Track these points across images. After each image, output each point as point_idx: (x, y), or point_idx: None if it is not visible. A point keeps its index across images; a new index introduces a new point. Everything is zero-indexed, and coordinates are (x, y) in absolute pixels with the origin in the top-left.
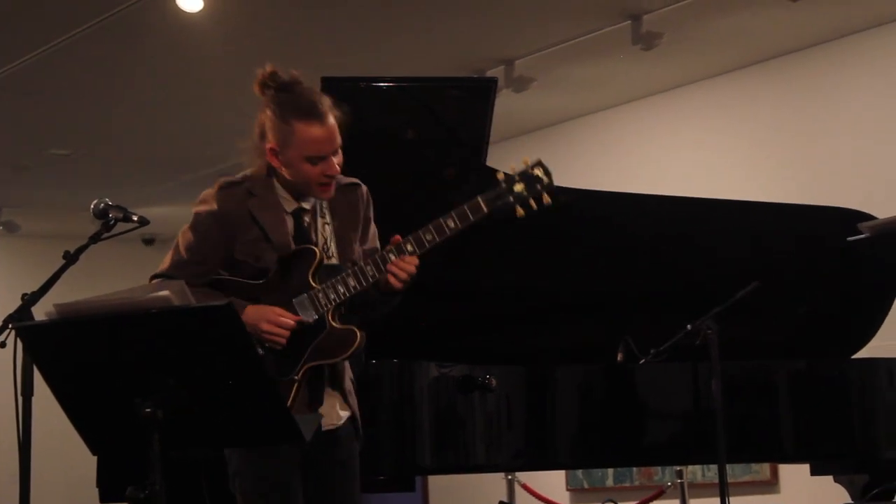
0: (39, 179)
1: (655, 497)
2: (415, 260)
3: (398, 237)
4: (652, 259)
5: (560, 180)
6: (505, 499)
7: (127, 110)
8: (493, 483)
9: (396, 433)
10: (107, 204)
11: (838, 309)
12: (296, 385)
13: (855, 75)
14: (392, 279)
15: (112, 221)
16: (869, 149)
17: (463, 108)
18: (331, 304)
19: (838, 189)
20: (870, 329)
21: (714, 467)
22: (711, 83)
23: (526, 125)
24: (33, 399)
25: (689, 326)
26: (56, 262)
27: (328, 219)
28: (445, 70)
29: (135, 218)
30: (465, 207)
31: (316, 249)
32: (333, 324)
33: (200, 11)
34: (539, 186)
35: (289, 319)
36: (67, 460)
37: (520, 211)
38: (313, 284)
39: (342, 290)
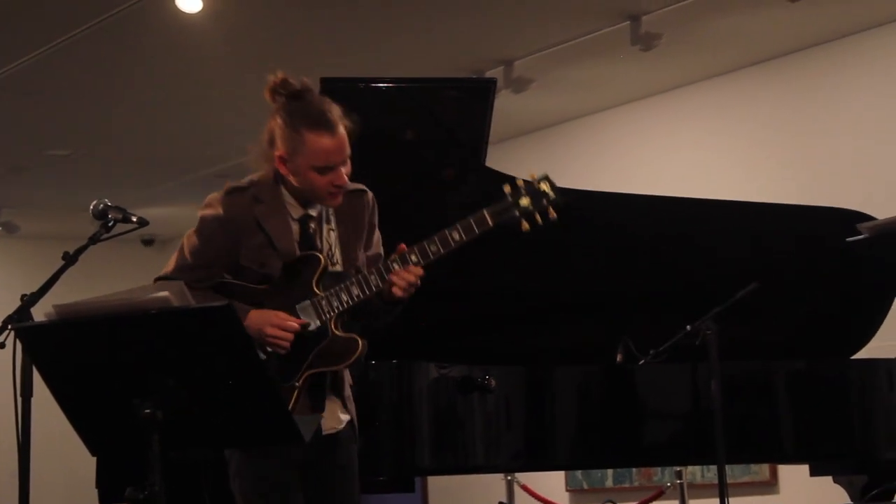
0: (39, 180)
1: (655, 498)
2: (418, 270)
3: (403, 246)
4: (651, 259)
5: (559, 181)
6: (504, 499)
7: (126, 111)
8: (493, 484)
9: (396, 434)
10: (106, 205)
11: (838, 309)
12: (296, 391)
13: (854, 76)
14: (394, 289)
15: (111, 222)
16: (869, 149)
17: (462, 108)
18: (334, 311)
19: (838, 190)
20: (869, 329)
21: (713, 468)
22: (710, 84)
23: (525, 126)
24: (32, 400)
25: (688, 327)
26: (55, 263)
27: (333, 225)
28: (444, 70)
29: (134, 219)
30: (471, 220)
31: (321, 256)
32: (336, 331)
33: (200, 12)
34: (545, 201)
35: (293, 323)
36: (67, 461)
37: (525, 225)
38: (317, 291)
39: (345, 299)
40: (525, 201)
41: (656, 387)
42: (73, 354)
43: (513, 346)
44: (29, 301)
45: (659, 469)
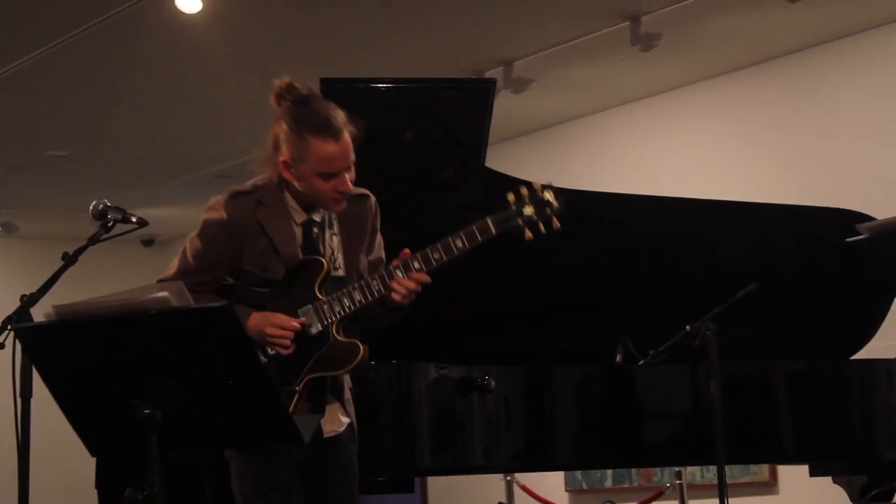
0: (38, 180)
1: (654, 498)
2: (423, 277)
3: (407, 251)
4: (651, 260)
5: (559, 181)
6: (504, 500)
7: (126, 111)
8: (492, 484)
9: (395, 434)
10: (105, 205)
11: (838, 310)
12: (296, 395)
13: (854, 76)
14: (395, 295)
15: (111, 223)
16: (868, 149)
17: (462, 109)
18: (336, 316)
19: (838, 190)
20: (869, 330)
21: (713, 468)
22: (710, 84)
23: (525, 126)
24: (32, 400)
25: (688, 327)
26: (55, 264)
27: (336, 230)
28: (444, 71)
29: (133, 219)
30: (474, 227)
31: (324, 261)
32: (337, 336)
33: (199, 12)
34: (549, 211)
35: (294, 323)
36: (66, 461)
37: (528, 234)
38: (319, 296)
39: (347, 304)
40: (529, 210)
41: (656, 387)
42: (72, 355)
43: (512, 347)
44: (28, 301)
45: (658, 469)
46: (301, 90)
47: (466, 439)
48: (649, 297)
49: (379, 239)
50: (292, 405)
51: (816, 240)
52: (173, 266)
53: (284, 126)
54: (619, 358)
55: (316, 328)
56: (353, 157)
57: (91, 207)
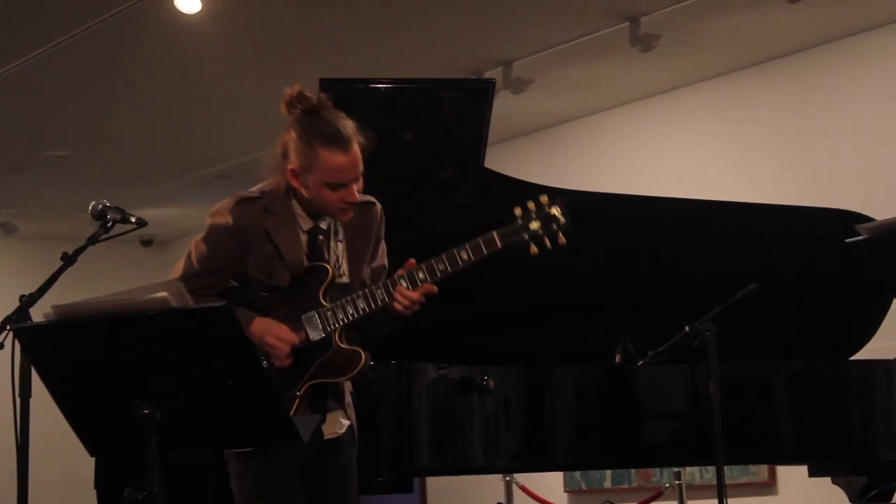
0: (37, 180)
1: (654, 498)
2: (430, 287)
3: (412, 261)
4: (651, 260)
5: (558, 181)
6: (503, 500)
7: (125, 111)
8: (492, 484)
9: (395, 434)
10: (105, 205)
11: (837, 310)
12: (297, 400)
13: (854, 77)
14: (398, 305)
15: (110, 223)
16: (868, 150)
17: (461, 109)
18: (339, 323)
19: (837, 190)
20: (868, 330)
21: (712, 469)
22: (710, 85)
23: (524, 127)
24: (31, 400)
25: (687, 328)
26: (54, 264)
27: (341, 237)
28: (443, 71)
29: (133, 219)
30: (480, 241)
31: (329, 267)
32: (340, 343)
33: (199, 13)
34: (555, 226)
35: (293, 336)
36: (65, 462)
37: (533, 249)
38: (323, 302)
39: (351, 312)
40: (535, 225)
41: (655, 387)
42: (71, 355)
43: (512, 347)
44: (27, 301)
45: (657, 470)
46: (311, 99)
47: (466, 440)
48: (649, 297)
49: (382, 246)
50: (293, 410)
51: (816, 240)
52: (178, 269)
53: (294, 134)
54: (618, 358)
55: (318, 335)
56: (361, 167)
57: (90, 207)
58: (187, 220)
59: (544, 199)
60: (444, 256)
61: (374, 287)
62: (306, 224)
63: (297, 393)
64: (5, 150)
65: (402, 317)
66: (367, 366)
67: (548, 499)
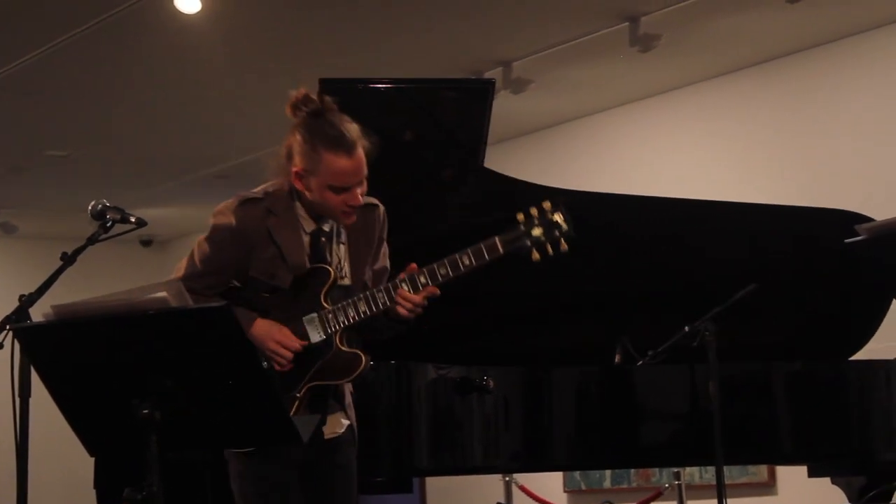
0: (37, 180)
1: (653, 499)
2: (433, 290)
3: (413, 266)
4: (651, 260)
5: (558, 182)
6: (502, 500)
7: (125, 111)
8: (491, 484)
9: (394, 434)
10: (104, 205)
11: (836, 311)
12: (296, 402)
13: (854, 77)
14: (400, 309)
15: (109, 223)
16: (868, 150)
17: (461, 109)
18: (340, 326)
19: (837, 191)
20: (868, 331)
21: (711, 469)
22: (709, 85)
23: (524, 127)
24: (31, 400)
25: (686, 328)
26: (53, 264)
27: (344, 238)
28: (443, 71)
29: (132, 219)
30: (482, 246)
31: (331, 269)
32: (341, 346)
33: (198, 13)
34: (557, 233)
35: (295, 343)
36: (65, 462)
37: (535, 255)
38: (325, 305)
39: (352, 314)
40: (537, 231)
41: (655, 387)
42: (71, 355)
43: (511, 347)
44: (27, 301)
45: (657, 470)
46: (317, 102)
47: (465, 440)
48: (648, 297)
49: (384, 248)
50: (292, 411)
51: (815, 241)
52: (181, 268)
53: (298, 137)
54: (617, 358)
55: (319, 337)
56: (365, 171)
57: (90, 207)
58: (187, 220)
59: (547, 205)
60: (445, 261)
61: (375, 290)
62: (309, 226)
63: (297, 394)
64: (5, 149)
65: (404, 320)
66: (368, 369)
67: (547, 499)
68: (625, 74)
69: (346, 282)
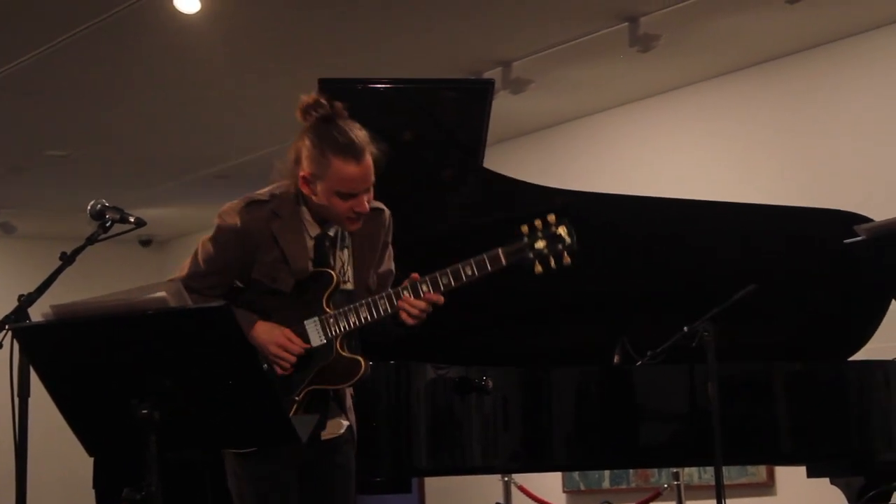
0: (36, 180)
1: (652, 499)
2: (434, 297)
3: (416, 275)
4: (650, 260)
5: (557, 182)
6: (501, 500)
7: (125, 111)
8: (490, 485)
9: (393, 434)
10: (103, 205)
11: (836, 311)
12: (295, 406)
13: (854, 77)
14: (404, 315)
15: (109, 223)
16: (868, 150)
17: (460, 109)
18: (340, 331)
19: (837, 191)
20: (867, 331)
21: (710, 469)
22: (709, 85)
23: (523, 127)
24: (30, 400)
25: (685, 328)
26: (53, 264)
27: (348, 242)
28: (443, 71)
29: (131, 219)
30: (485, 257)
31: (333, 274)
32: (341, 351)
33: (198, 13)
34: (560, 246)
35: (296, 346)
36: (64, 462)
37: (538, 268)
38: (326, 309)
39: (353, 320)
40: (541, 244)
41: (654, 388)
42: (70, 355)
43: (510, 347)
44: (26, 301)
45: (656, 470)
46: (327, 107)
47: (464, 440)
48: (648, 297)
49: (389, 251)
50: (290, 414)
51: (815, 241)
52: (184, 267)
53: (307, 142)
54: (616, 359)
55: (320, 341)
56: (373, 179)
57: (89, 207)
58: (186, 220)
59: (551, 217)
60: (448, 270)
61: (377, 297)
62: (314, 230)
63: (296, 398)
64: (5, 149)
65: (407, 326)
66: (367, 374)
67: (546, 499)
68: (624, 74)
69: (349, 286)
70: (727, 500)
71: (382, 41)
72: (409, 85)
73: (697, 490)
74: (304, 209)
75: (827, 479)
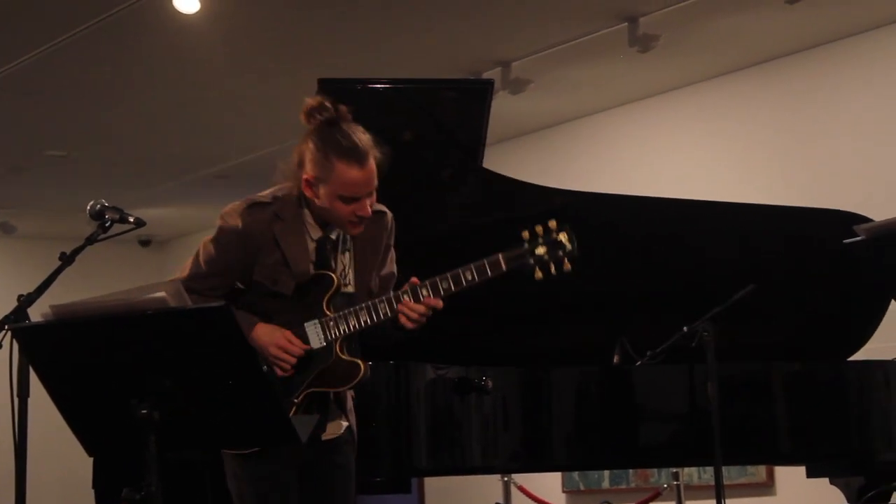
0: (36, 180)
1: (652, 499)
2: (433, 302)
3: (415, 280)
4: (650, 261)
5: (557, 182)
6: (501, 500)
7: (124, 111)
8: (490, 485)
9: (393, 435)
10: (103, 205)
11: (836, 311)
12: (294, 408)
13: (853, 77)
14: (404, 319)
15: (108, 223)
16: (868, 150)
17: (460, 109)
18: (340, 334)
19: (837, 191)
20: (867, 331)
21: (710, 469)
22: (708, 85)
23: (523, 127)
24: (29, 400)
25: (685, 329)
26: (52, 264)
27: (349, 245)
28: (442, 71)
29: (131, 219)
30: (485, 262)
31: (334, 276)
32: (341, 354)
33: (197, 13)
34: (561, 252)
35: (297, 348)
36: (64, 462)
37: (538, 274)
38: (327, 312)
39: (353, 324)
40: (541, 250)
41: (654, 388)
42: (69, 355)
43: (510, 347)
44: (25, 301)
45: (655, 470)
46: (332, 110)
47: (464, 440)
48: (647, 297)
49: (392, 253)
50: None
51: (814, 241)
52: (185, 268)
53: (311, 144)
54: (616, 359)
55: (319, 343)
56: (376, 183)
57: (88, 207)
58: (186, 220)
59: (553, 223)
60: (448, 275)
61: (377, 300)
62: (316, 233)
63: (295, 400)
64: (5, 149)
65: (407, 330)
66: (367, 377)
67: (546, 499)
68: (624, 75)
69: (350, 289)
70: (727, 500)
71: (382, 41)
72: (409, 85)
73: (697, 490)
74: (306, 212)
75: (826, 480)
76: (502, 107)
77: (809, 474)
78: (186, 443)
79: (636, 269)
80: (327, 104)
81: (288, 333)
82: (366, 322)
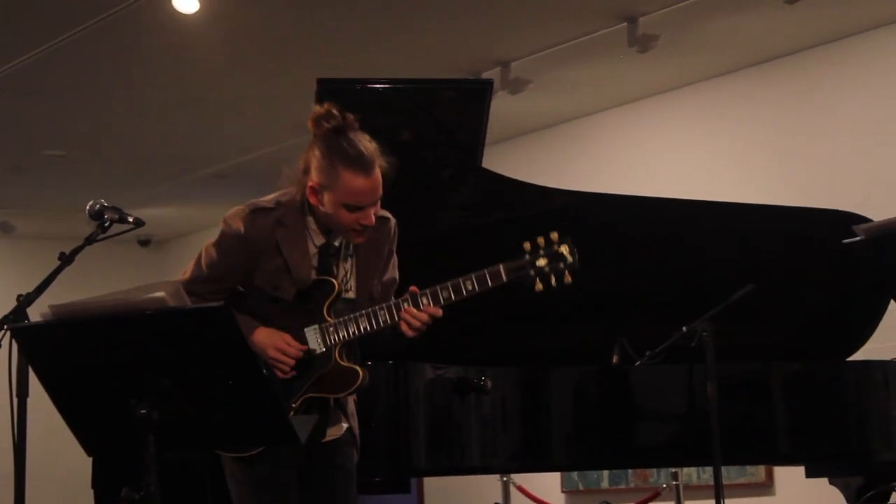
0: (35, 180)
1: (651, 499)
2: (433, 310)
3: (415, 288)
4: (649, 261)
5: (556, 182)
6: (500, 500)
7: (123, 111)
8: (489, 485)
9: (392, 435)
10: (102, 205)
11: (835, 311)
12: (291, 412)
13: (852, 77)
14: (404, 326)
15: (107, 223)
16: (867, 150)
17: (459, 109)
18: (340, 340)
19: (836, 191)
20: (866, 331)
21: (709, 469)
22: (708, 85)
23: (522, 127)
24: (28, 400)
25: (684, 328)
26: (51, 264)
27: (351, 251)
28: (441, 71)
29: (130, 219)
30: (486, 272)
31: (335, 282)
32: (340, 360)
33: (196, 13)
34: (562, 265)
35: (295, 350)
36: (63, 461)
37: (538, 286)
38: (327, 317)
39: (353, 330)
40: (542, 262)
41: (653, 388)
42: (69, 355)
43: (509, 347)
44: (25, 301)
45: (655, 470)
46: (339, 118)
47: (463, 440)
48: (646, 297)
49: (394, 259)
50: None
51: (814, 241)
52: (187, 271)
53: (317, 152)
54: (615, 359)
55: (319, 349)
56: (381, 192)
57: (88, 207)
58: (185, 220)
59: (554, 235)
60: (448, 284)
61: (377, 307)
62: (318, 240)
63: (293, 405)
64: (4, 149)
65: (407, 338)
66: (365, 384)
67: (545, 499)
68: (623, 75)
69: (351, 295)
70: (726, 500)
71: (382, 41)
72: (408, 85)
73: (696, 490)
74: (309, 218)
75: (826, 479)
76: (501, 107)
77: (808, 474)
78: (185, 443)
79: (635, 269)
80: (335, 112)
81: (287, 336)
82: (366, 329)
